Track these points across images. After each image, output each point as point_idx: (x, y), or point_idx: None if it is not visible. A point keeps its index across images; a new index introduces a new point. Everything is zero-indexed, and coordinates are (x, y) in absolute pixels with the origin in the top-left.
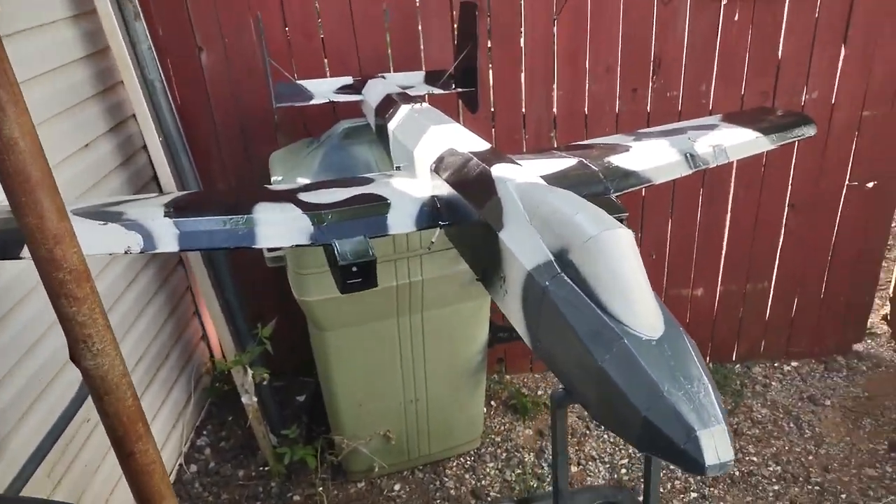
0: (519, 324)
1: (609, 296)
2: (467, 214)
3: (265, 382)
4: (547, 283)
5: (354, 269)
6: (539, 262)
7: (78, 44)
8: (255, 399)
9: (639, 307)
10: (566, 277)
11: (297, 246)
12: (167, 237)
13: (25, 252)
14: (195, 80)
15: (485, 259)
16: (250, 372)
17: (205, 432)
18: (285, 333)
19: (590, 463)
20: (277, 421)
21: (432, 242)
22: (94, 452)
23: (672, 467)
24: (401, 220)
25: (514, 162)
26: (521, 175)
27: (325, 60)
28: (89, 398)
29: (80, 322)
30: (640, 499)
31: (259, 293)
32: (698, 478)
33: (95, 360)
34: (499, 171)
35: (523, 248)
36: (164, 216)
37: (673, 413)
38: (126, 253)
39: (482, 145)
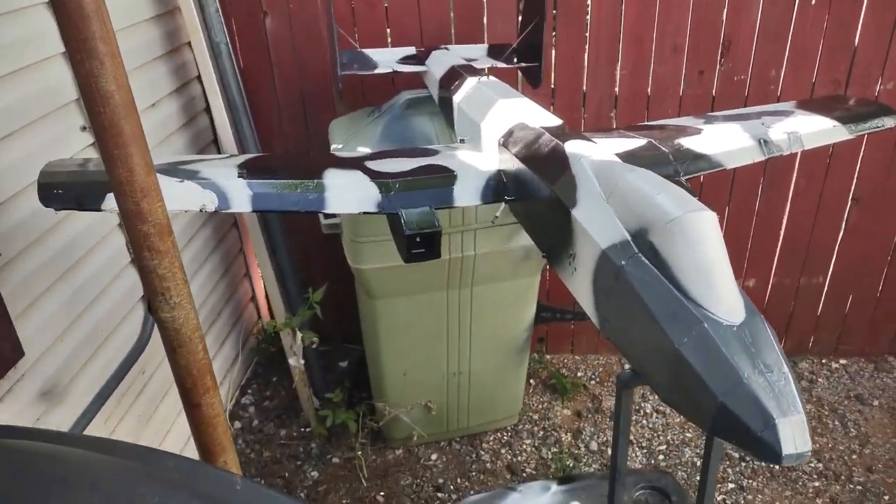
0: (587, 302)
1: (689, 279)
2: (537, 190)
3: (314, 346)
4: (623, 262)
5: (418, 239)
6: (615, 241)
7: (148, 4)
8: (302, 362)
9: (721, 292)
10: (644, 258)
11: (364, 213)
12: (241, 198)
13: (105, 204)
14: (259, 44)
15: (553, 235)
16: (299, 335)
17: (250, 391)
18: (333, 300)
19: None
20: (321, 384)
21: (496, 217)
22: (147, 404)
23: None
24: (466, 193)
25: (587, 139)
26: (595, 152)
27: (388, 30)
28: (146, 350)
29: (160, 275)
30: (683, 484)
31: (309, 259)
32: (737, 468)
33: (172, 313)
34: (573, 147)
35: (598, 227)
36: (238, 177)
37: (752, 400)
38: (201, 210)
39: (553, 121)
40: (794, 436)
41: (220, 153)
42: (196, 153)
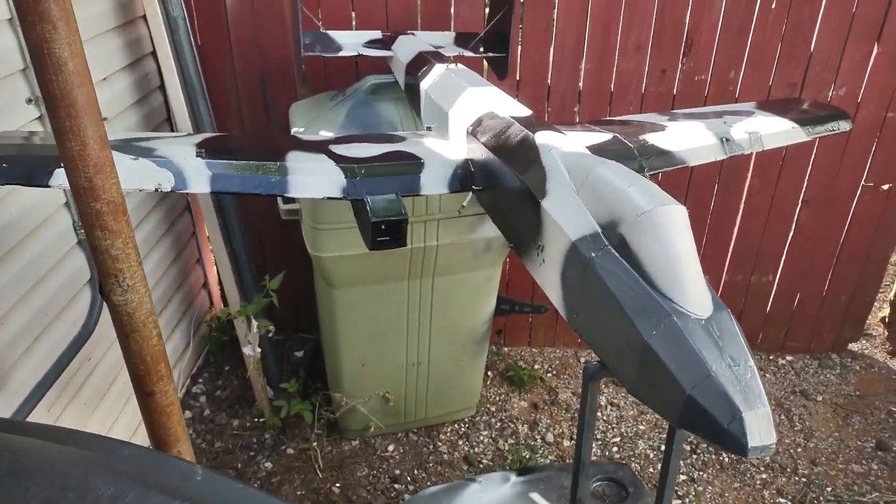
0: (555, 294)
1: (659, 272)
2: (506, 180)
3: (270, 335)
4: (593, 254)
5: (384, 226)
6: (585, 233)
7: None
8: (258, 350)
9: (689, 285)
10: (614, 251)
11: (328, 198)
12: (199, 178)
13: (54, 180)
14: (218, 21)
15: (522, 226)
16: (255, 323)
17: (201, 380)
18: (288, 288)
19: None
20: (275, 374)
21: (463, 206)
22: (93, 391)
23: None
24: (433, 181)
25: (558, 130)
26: (566, 144)
27: (353, 13)
28: (92, 336)
29: (113, 256)
30: (637, 476)
31: (264, 246)
32: (688, 460)
33: (125, 296)
34: (543, 138)
35: (568, 218)
36: (196, 156)
37: (719, 393)
38: (156, 190)
39: (523, 111)
40: (759, 429)
41: (173, 132)
42: (149, 132)
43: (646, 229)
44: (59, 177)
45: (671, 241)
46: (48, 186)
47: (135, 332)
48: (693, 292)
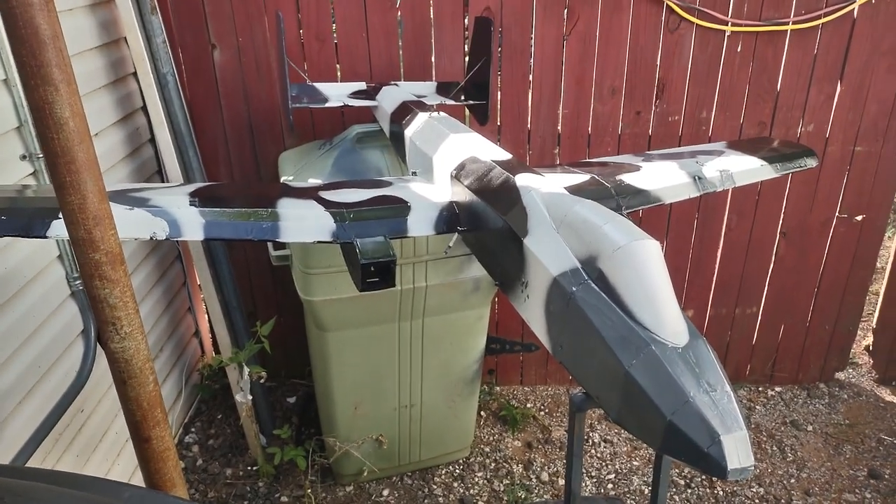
0: (540, 328)
1: (637, 303)
2: (489, 220)
3: (262, 381)
4: (574, 289)
5: (373, 268)
6: (566, 268)
7: (94, 33)
8: (250, 397)
9: (665, 315)
10: (593, 285)
11: (319, 242)
12: (193, 225)
13: (51, 231)
14: (206, 76)
15: (506, 264)
16: (247, 369)
17: (193, 429)
18: (278, 335)
19: None
20: (268, 421)
21: (449, 246)
22: (86, 443)
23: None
24: (420, 223)
25: (536, 172)
26: (544, 185)
27: (338, 66)
28: (84, 389)
29: (111, 304)
30: None
31: (254, 292)
32: (683, 495)
33: (123, 343)
34: (523, 180)
35: (549, 255)
36: (190, 205)
37: (698, 417)
38: (151, 239)
39: (503, 155)
40: (737, 451)
41: (164, 183)
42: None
43: (622, 263)
44: (56, 228)
45: (646, 273)
46: (45, 237)
47: (132, 378)
48: (669, 322)
